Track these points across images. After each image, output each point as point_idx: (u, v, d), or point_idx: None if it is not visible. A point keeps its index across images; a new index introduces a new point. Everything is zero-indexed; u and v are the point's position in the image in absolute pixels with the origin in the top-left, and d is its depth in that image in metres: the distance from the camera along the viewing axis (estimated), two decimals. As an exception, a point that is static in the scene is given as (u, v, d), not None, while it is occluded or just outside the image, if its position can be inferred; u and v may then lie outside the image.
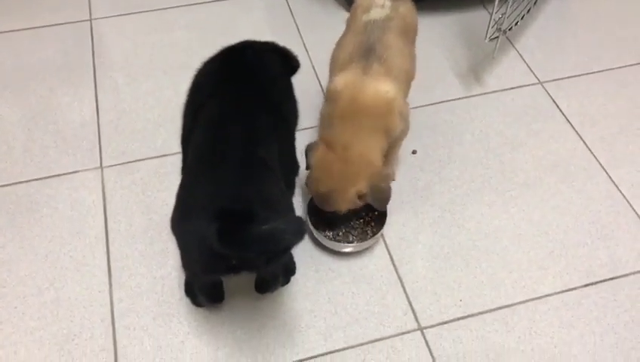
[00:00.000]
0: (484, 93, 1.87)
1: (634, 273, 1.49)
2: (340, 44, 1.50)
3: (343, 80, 1.38)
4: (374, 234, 1.45)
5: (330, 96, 1.40)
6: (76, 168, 1.64)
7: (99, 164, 1.65)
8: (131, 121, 1.76)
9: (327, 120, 1.40)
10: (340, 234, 1.46)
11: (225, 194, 1.07)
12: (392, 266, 1.47)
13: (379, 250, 1.49)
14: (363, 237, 1.45)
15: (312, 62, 1.93)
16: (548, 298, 1.44)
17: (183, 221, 1.11)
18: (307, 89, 1.82)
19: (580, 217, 1.59)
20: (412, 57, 1.52)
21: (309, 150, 1.38)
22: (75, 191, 1.59)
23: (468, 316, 1.40)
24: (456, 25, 2.08)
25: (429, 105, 1.82)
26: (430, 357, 1.34)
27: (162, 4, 2.11)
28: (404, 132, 1.48)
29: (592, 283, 1.47)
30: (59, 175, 1.63)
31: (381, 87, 1.36)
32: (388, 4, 1.50)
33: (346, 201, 1.34)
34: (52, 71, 1.89)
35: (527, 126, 1.79)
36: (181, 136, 1.38)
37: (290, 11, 2.11)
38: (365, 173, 1.34)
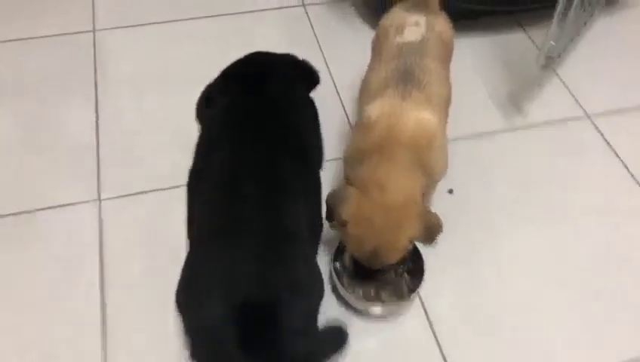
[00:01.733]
0: (527, 127, 1.69)
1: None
2: (371, 69, 1.32)
3: (378, 108, 1.19)
4: (412, 290, 1.25)
5: (361, 127, 1.20)
6: (71, 200, 1.46)
7: (96, 196, 1.47)
8: (134, 146, 1.58)
9: (356, 156, 1.19)
10: (372, 292, 1.27)
11: (244, 278, 0.88)
12: (429, 330, 1.28)
13: (413, 308, 1.30)
14: (399, 294, 1.26)
15: (334, 83, 1.75)
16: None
17: (191, 302, 0.92)
18: (330, 114, 1.63)
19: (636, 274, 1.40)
20: (449, 81, 1.34)
21: (335, 201, 1.15)
22: (69, 227, 1.41)
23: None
24: (493, 47, 1.90)
25: (466, 137, 1.63)
26: None
27: (172, 16, 1.93)
28: (443, 170, 1.29)
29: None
30: (52, 207, 1.44)
31: (423, 116, 1.17)
32: (422, 21, 1.32)
33: (398, 252, 1.14)
34: (49, 86, 1.71)
35: (575, 165, 1.60)
36: (189, 173, 1.20)
37: (311, 26, 1.93)
38: (414, 214, 1.13)
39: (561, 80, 1.80)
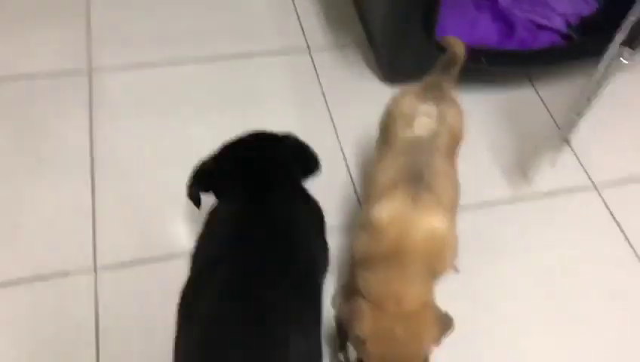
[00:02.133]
0: (533, 198, 1.66)
1: None
2: (379, 164, 1.27)
3: (388, 212, 1.14)
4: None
5: (370, 229, 1.16)
6: (66, 268, 1.40)
7: (92, 265, 1.42)
8: (133, 210, 1.52)
9: (365, 259, 1.16)
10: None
11: None
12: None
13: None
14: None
15: (340, 144, 1.71)
16: None
17: None
18: (333, 173, 1.60)
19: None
20: (457, 178, 1.30)
21: (349, 317, 1.11)
22: (63, 301, 1.36)
23: None
24: (501, 105, 1.86)
25: (469, 206, 1.59)
26: None
27: (168, 57, 1.86)
28: (451, 266, 1.26)
29: None
30: (44, 276, 1.39)
31: (435, 223, 1.14)
32: (434, 112, 1.27)
33: (421, 356, 1.11)
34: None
35: (582, 242, 1.58)
36: (186, 286, 1.12)
37: (316, 74, 1.87)
38: (432, 320, 1.11)
39: (570, 147, 1.77)
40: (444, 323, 1.12)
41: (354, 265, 1.21)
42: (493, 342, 1.39)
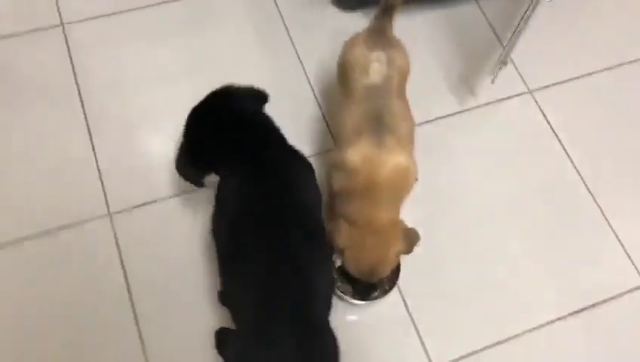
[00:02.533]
0: (478, 108, 1.91)
1: (619, 295, 1.67)
2: (343, 110, 1.48)
3: (358, 156, 1.39)
4: (391, 287, 1.54)
5: (344, 171, 1.41)
6: (82, 217, 1.61)
7: (106, 211, 1.63)
8: (133, 155, 1.71)
9: (342, 194, 1.42)
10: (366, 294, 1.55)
11: None
12: (404, 310, 1.58)
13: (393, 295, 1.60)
14: (383, 291, 1.55)
15: (307, 75, 1.89)
16: (543, 328, 1.61)
17: None
18: (303, 107, 1.82)
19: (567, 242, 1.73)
20: (410, 112, 1.53)
21: (330, 233, 1.39)
22: (87, 244, 1.58)
23: (477, 351, 1.56)
24: (446, 22, 2.04)
25: (423, 123, 1.82)
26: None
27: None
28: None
29: (580, 310, 1.64)
30: (66, 226, 1.59)
31: (399, 161, 1.39)
32: (383, 58, 1.48)
33: (390, 266, 1.42)
34: (32, 96, 1.77)
35: (520, 143, 1.87)
36: (219, 253, 1.33)
37: (277, 6, 2.00)
38: (397, 234, 1.41)
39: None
40: (410, 237, 1.42)
41: (331, 194, 1.47)
42: (457, 232, 1.70)
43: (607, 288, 1.68)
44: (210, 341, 1.47)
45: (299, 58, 1.91)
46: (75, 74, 1.81)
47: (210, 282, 1.54)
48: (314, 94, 1.86)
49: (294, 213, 1.27)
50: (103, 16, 1.90)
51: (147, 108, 1.78)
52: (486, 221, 1.73)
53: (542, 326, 1.61)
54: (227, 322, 1.46)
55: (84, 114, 1.75)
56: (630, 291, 1.69)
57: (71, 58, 1.83)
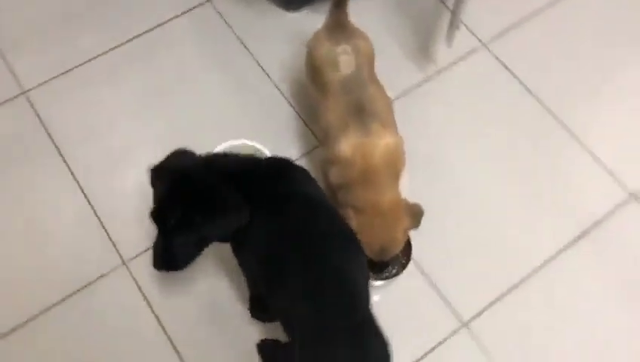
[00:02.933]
0: (441, 71, 1.99)
1: (611, 212, 1.78)
2: (324, 109, 1.54)
3: (349, 147, 1.46)
4: (408, 260, 1.62)
5: (340, 165, 1.48)
6: (100, 272, 1.65)
7: (120, 261, 1.67)
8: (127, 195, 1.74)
9: (341, 185, 1.49)
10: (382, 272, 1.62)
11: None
12: (422, 279, 1.67)
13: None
14: (401, 266, 1.63)
15: (270, 77, 1.94)
16: (550, 263, 1.72)
17: None
18: (276, 111, 1.89)
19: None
20: (385, 92, 1.59)
21: None
22: (112, 299, 1.62)
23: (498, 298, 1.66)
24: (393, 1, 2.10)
25: (393, 98, 1.87)
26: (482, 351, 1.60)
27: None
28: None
29: (579, 236, 1.76)
30: (85, 287, 1.63)
31: (388, 142, 1.47)
32: (349, 49, 1.54)
33: (400, 243, 1.50)
34: (15, 167, 1.79)
35: (487, 95, 1.96)
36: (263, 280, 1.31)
37: (226, 23, 2.04)
38: (402, 211, 1.48)
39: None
40: (415, 212, 1.50)
41: (330, 188, 1.54)
42: (449, 194, 1.79)
43: (598, 208, 1.79)
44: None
45: (262, 69, 1.96)
46: (49, 135, 1.83)
47: (242, 303, 1.61)
48: (284, 97, 1.92)
49: (319, 219, 1.30)
50: (60, 74, 1.92)
51: (126, 145, 1.81)
52: (473, 177, 1.82)
53: (548, 261, 1.72)
54: (267, 334, 1.54)
55: (69, 169, 1.77)
56: (620, 205, 1.80)
57: (41, 121, 1.84)
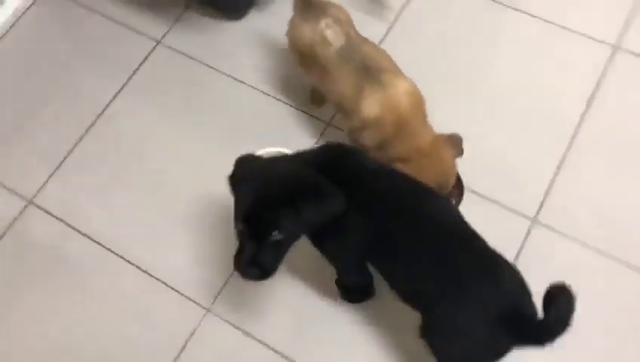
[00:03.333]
0: (401, 13, 2.05)
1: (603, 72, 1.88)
2: (332, 84, 1.57)
3: (375, 105, 1.50)
4: (462, 192, 1.67)
5: (371, 126, 1.52)
6: (193, 327, 1.64)
7: (204, 310, 1.67)
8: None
9: (382, 145, 1.53)
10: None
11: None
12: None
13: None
14: (457, 199, 1.67)
15: (256, 89, 1.96)
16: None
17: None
18: (274, 116, 1.90)
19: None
20: (371, 41, 1.64)
21: None
22: (215, 343, 1.62)
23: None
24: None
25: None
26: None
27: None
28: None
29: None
30: (184, 347, 1.63)
31: (405, 87, 1.52)
32: (330, 22, 1.57)
33: (453, 172, 1.55)
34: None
35: (456, 17, 2.03)
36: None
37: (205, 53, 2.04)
38: (442, 145, 1.53)
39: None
40: (455, 141, 1.56)
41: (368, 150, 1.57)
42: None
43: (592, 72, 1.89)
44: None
45: (241, 81, 1.98)
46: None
47: (328, 294, 1.64)
48: (274, 98, 1.94)
49: (407, 183, 1.34)
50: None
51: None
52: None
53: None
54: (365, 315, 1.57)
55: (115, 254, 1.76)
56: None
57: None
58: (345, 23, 1.59)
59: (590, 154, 1.78)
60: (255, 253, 1.21)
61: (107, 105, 1.97)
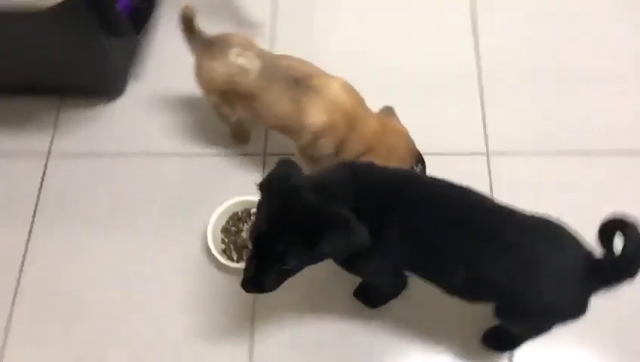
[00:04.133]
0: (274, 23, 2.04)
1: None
2: (266, 109, 1.53)
3: (318, 113, 1.48)
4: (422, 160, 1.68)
5: (324, 133, 1.51)
6: None
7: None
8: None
9: (341, 146, 1.52)
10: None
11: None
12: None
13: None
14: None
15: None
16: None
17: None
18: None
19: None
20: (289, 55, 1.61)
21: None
22: None
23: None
24: None
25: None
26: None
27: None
28: None
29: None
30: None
31: (337, 83, 1.51)
32: (237, 49, 1.53)
33: (408, 138, 1.58)
34: None
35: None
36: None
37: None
38: (387, 118, 1.56)
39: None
40: (391, 113, 1.60)
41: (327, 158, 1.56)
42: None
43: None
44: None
45: (156, 154, 1.86)
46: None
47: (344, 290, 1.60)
48: (200, 156, 1.84)
49: (448, 191, 1.29)
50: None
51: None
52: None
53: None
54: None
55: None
56: None
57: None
58: (252, 46, 1.55)
59: (501, 79, 1.91)
60: (257, 275, 1.20)
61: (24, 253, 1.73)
